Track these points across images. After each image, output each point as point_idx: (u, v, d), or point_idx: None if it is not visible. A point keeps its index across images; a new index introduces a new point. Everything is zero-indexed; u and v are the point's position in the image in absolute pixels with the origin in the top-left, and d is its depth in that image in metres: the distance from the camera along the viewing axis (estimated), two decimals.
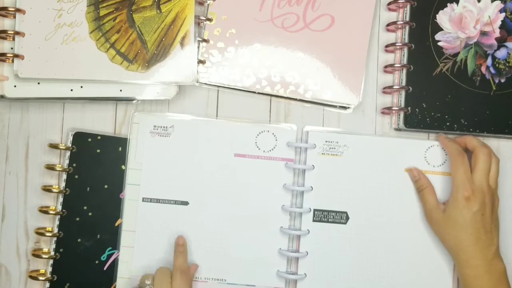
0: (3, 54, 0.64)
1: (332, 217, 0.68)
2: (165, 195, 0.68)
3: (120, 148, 0.68)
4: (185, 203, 0.68)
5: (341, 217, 0.68)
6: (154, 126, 0.68)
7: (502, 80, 0.69)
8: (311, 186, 0.68)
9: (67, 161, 0.68)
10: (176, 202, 0.68)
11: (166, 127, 0.68)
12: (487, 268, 0.62)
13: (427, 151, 0.68)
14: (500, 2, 0.70)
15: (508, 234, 0.69)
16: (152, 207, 0.68)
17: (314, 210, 0.68)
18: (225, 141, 0.68)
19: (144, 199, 0.68)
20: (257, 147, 0.68)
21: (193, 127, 0.69)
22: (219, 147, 0.68)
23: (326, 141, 0.68)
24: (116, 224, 0.68)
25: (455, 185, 0.64)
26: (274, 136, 0.69)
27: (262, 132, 0.69)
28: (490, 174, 0.64)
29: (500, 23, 0.70)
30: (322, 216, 0.68)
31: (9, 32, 0.65)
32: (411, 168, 0.68)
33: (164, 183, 0.68)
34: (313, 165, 0.68)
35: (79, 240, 0.67)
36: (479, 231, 0.62)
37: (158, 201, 0.68)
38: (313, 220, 0.68)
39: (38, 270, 0.68)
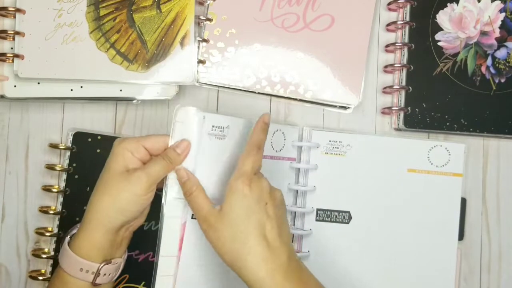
0: (3, 54, 0.64)
1: (335, 216, 0.68)
2: None
3: None
4: None
5: (344, 217, 0.68)
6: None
7: (502, 80, 0.69)
8: (314, 186, 0.68)
9: (67, 161, 0.68)
10: None
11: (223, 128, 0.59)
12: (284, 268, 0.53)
13: (431, 151, 0.68)
14: (500, 2, 0.70)
15: (508, 234, 0.69)
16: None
17: (317, 209, 0.68)
18: None
19: None
20: (272, 147, 0.67)
21: None
22: None
23: (330, 141, 0.68)
24: None
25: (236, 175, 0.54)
26: (284, 135, 0.68)
27: (276, 131, 0.67)
28: None
29: (500, 23, 0.70)
30: (325, 215, 0.68)
31: (9, 32, 0.65)
32: (178, 167, 0.56)
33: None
34: (316, 165, 0.68)
35: None
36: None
37: None
38: (316, 220, 0.68)
39: (38, 270, 0.68)
